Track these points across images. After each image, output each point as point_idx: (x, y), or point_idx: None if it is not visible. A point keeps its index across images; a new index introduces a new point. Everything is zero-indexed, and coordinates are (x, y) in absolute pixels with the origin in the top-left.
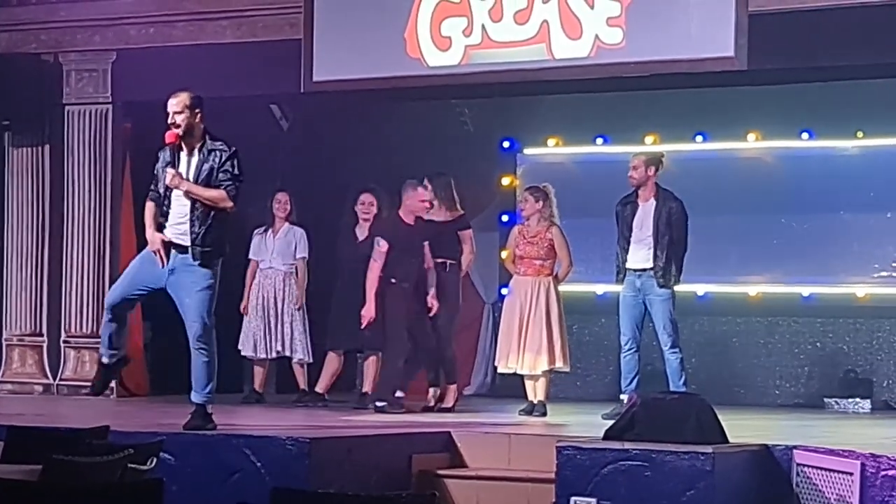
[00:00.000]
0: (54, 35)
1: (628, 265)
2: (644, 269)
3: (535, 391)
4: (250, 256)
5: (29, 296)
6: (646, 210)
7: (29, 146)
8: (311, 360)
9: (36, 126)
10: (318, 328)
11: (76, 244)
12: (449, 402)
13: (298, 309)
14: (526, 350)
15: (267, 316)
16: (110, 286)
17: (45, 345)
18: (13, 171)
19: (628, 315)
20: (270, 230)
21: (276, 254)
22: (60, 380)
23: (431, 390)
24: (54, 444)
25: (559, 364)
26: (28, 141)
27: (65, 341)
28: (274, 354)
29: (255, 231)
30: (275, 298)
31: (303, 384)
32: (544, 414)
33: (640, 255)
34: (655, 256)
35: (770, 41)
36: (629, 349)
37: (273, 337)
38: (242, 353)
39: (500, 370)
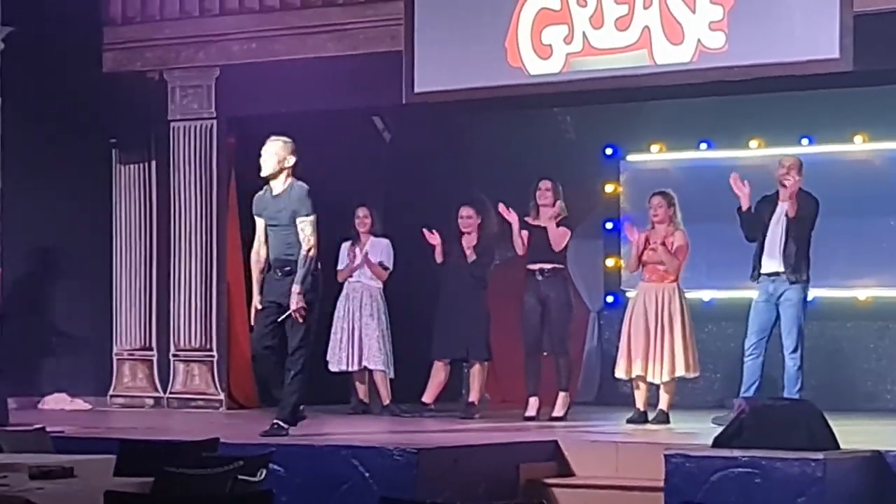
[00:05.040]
0: (158, 53)
1: (762, 269)
2: (777, 273)
3: (659, 399)
4: (339, 267)
5: (138, 311)
6: (782, 209)
7: (136, 163)
8: (392, 375)
9: (142, 143)
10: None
11: (183, 259)
12: (560, 411)
13: (374, 317)
14: (652, 357)
15: (351, 329)
16: (218, 300)
17: (154, 359)
18: (121, 187)
19: (758, 320)
20: (357, 245)
21: (364, 267)
22: (170, 393)
23: (532, 400)
24: (165, 457)
25: (684, 372)
26: (135, 157)
27: (174, 355)
28: (356, 367)
29: (343, 244)
30: (360, 312)
31: (386, 398)
32: (666, 422)
33: (774, 258)
34: (785, 256)
35: (876, 41)
36: (751, 355)
37: (356, 349)
38: (330, 368)
39: (619, 376)
